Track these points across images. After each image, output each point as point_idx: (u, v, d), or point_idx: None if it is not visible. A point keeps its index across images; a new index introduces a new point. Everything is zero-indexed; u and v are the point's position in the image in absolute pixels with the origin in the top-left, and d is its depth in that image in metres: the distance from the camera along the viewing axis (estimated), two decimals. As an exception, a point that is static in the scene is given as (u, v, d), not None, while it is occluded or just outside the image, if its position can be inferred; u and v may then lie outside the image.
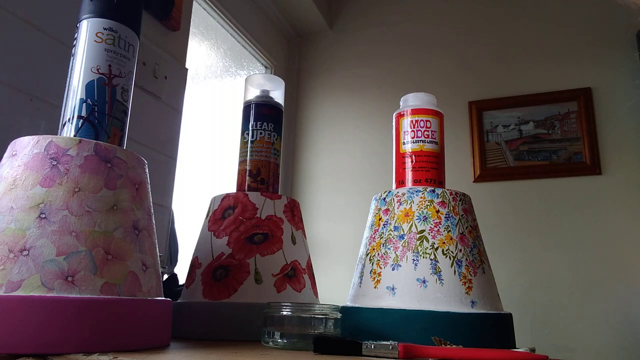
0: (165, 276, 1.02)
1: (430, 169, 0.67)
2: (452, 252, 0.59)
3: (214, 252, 0.66)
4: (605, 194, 1.54)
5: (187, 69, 1.29)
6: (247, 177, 0.73)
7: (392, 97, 1.79)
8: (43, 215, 0.43)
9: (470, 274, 0.59)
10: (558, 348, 1.48)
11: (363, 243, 0.68)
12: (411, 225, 0.61)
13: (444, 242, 0.60)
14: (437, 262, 0.58)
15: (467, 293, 0.57)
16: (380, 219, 0.65)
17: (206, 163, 1.56)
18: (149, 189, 0.54)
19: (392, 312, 0.56)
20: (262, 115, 0.75)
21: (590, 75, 1.65)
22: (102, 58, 0.52)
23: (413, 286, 0.58)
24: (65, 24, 0.90)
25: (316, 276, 0.75)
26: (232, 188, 0.75)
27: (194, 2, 1.41)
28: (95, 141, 0.48)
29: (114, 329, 0.42)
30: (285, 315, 0.51)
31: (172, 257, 1.15)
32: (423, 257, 0.59)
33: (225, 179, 1.58)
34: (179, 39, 1.28)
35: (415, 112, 0.69)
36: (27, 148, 0.46)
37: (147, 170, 0.54)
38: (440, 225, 0.61)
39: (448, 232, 0.61)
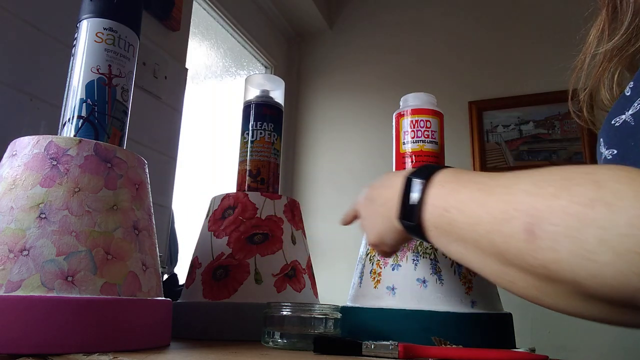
0: (165, 276, 1.02)
1: (430, 169, 0.67)
2: (452, 252, 0.59)
3: (214, 252, 0.66)
4: (605, 194, 1.54)
5: (187, 69, 1.29)
6: (247, 177, 0.73)
7: (392, 97, 1.79)
8: (43, 215, 0.43)
9: (470, 274, 0.59)
10: (558, 348, 1.48)
11: (363, 243, 0.67)
12: (411, 225, 0.61)
13: (444, 242, 0.60)
14: (437, 262, 0.58)
15: (467, 293, 0.57)
16: (380, 219, 0.65)
17: (206, 163, 1.56)
18: (149, 189, 0.54)
19: (392, 312, 0.56)
20: (262, 115, 0.75)
21: (590, 75, 1.64)
22: (102, 58, 0.52)
23: (413, 286, 0.58)
24: (65, 24, 0.90)
25: (316, 276, 0.75)
26: (232, 188, 0.75)
27: (194, 2, 1.41)
28: (95, 141, 0.48)
29: (114, 329, 0.42)
30: (285, 315, 0.51)
31: (172, 257, 1.15)
32: (423, 257, 0.59)
33: (225, 179, 1.58)
34: (179, 39, 1.28)
35: (415, 112, 0.69)
36: (27, 148, 0.46)
37: (147, 170, 0.54)
38: (440, 225, 0.61)
39: (448, 232, 0.60)
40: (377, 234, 0.46)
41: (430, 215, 0.37)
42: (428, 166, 0.40)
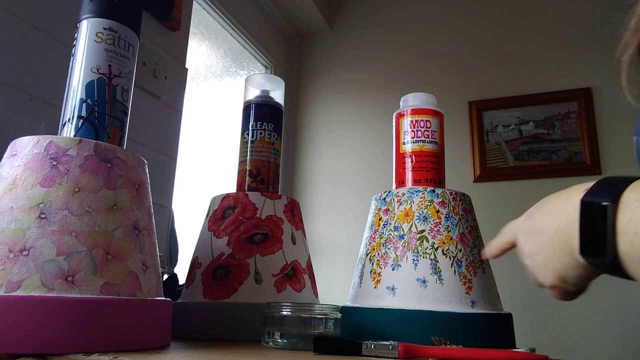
0: (165, 276, 1.02)
1: (430, 169, 0.67)
2: (452, 252, 0.59)
3: (214, 252, 0.66)
4: (605, 194, 1.54)
5: (187, 69, 1.29)
6: (247, 177, 0.73)
7: (392, 97, 1.79)
8: (43, 215, 0.43)
9: (470, 274, 0.59)
10: (558, 348, 1.48)
11: (363, 243, 0.68)
12: (411, 225, 0.61)
13: (444, 242, 0.60)
14: (437, 262, 0.59)
15: (467, 293, 0.57)
16: (380, 219, 0.65)
17: (206, 163, 1.56)
18: (149, 189, 0.54)
19: (392, 312, 0.56)
20: (262, 115, 0.75)
21: (590, 75, 1.65)
22: (102, 58, 0.52)
23: (413, 286, 0.58)
24: (65, 24, 0.90)
25: (316, 276, 0.75)
26: (232, 188, 0.75)
27: (194, 2, 1.41)
28: (95, 141, 0.48)
29: (114, 329, 0.42)
30: (285, 315, 0.51)
31: (172, 257, 1.15)
32: (423, 257, 0.59)
33: (225, 179, 1.58)
34: (179, 39, 1.28)
35: (415, 112, 0.69)
36: (27, 148, 0.46)
37: (147, 170, 0.54)
38: (440, 225, 0.61)
39: (448, 232, 0.61)
40: (556, 274, 0.37)
41: (631, 247, 0.30)
42: (607, 181, 0.33)
